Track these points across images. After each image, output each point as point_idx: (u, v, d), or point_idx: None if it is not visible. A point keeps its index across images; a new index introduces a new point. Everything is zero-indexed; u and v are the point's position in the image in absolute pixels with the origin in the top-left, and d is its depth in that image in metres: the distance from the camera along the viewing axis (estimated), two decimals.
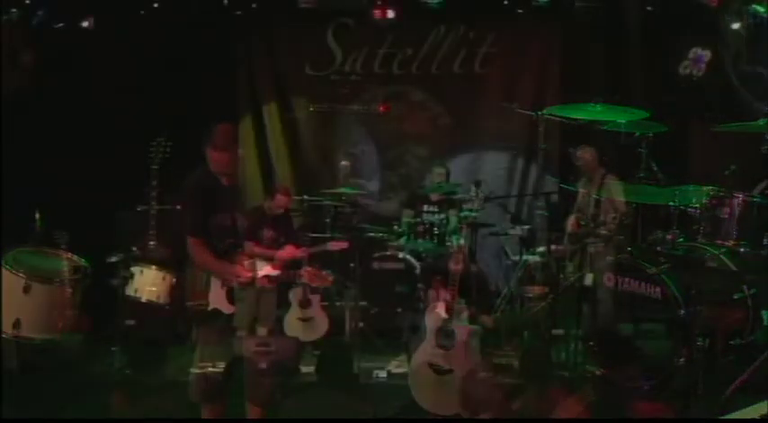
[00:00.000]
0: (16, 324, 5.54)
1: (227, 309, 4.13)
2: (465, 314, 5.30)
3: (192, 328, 4.36)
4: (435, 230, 7.10)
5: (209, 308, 4.18)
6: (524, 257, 7.18)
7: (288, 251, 4.27)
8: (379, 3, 8.11)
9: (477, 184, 7.11)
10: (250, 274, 4.10)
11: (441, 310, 5.28)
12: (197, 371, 4.17)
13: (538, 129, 6.01)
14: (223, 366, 4.14)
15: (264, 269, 4.15)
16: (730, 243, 5.25)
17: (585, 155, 6.71)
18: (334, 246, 6.70)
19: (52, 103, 7.35)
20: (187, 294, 4.32)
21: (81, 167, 7.23)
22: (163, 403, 5.14)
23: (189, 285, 4.29)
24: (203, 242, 4.10)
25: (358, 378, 6.10)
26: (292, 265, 5.07)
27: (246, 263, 4.14)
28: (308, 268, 4.23)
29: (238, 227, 4.19)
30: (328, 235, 7.23)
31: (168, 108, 7.46)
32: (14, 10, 7.30)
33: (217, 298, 4.15)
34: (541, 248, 6.99)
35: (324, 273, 4.29)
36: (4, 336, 5.54)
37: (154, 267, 6.28)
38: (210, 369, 4.12)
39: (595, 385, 5.07)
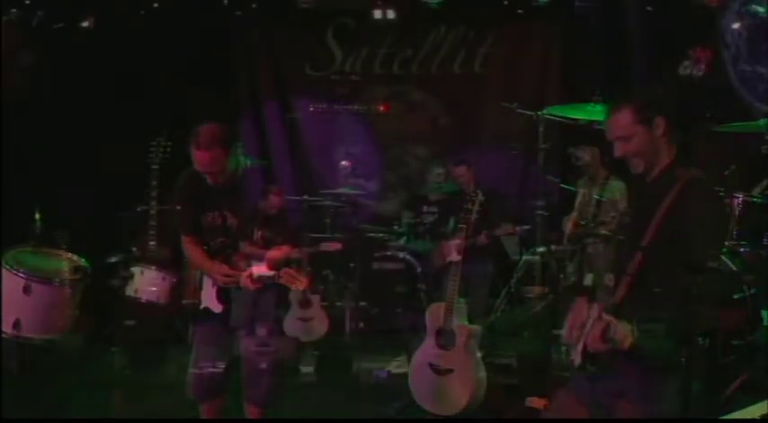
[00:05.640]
0: (16, 324, 5.53)
1: (216, 308, 4.14)
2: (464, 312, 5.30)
3: (189, 326, 4.37)
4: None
5: (201, 306, 4.20)
6: (524, 257, 7.18)
7: (280, 251, 4.27)
8: (379, 3, 8.12)
9: (477, 183, 7.12)
10: (232, 273, 4.10)
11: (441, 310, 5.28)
12: (193, 370, 4.17)
13: (538, 129, 6.02)
14: (220, 365, 4.14)
15: (259, 269, 4.15)
16: (730, 243, 5.25)
17: (587, 155, 6.70)
18: (326, 246, 6.68)
19: (52, 103, 7.35)
20: (184, 293, 4.33)
21: (81, 167, 7.24)
22: (163, 403, 5.15)
23: (186, 283, 4.30)
24: (191, 240, 4.18)
25: (358, 378, 6.11)
26: (286, 266, 5.06)
27: (242, 263, 4.14)
28: (287, 269, 4.22)
29: (229, 226, 4.20)
30: (328, 235, 7.24)
31: (168, 108, 7.46)
32: (14, 10, 7.30)
33: (207, 296, 4.16)
34: (541, 248, 6.99)
35: (301, 275, 4.26)
36: (4, 336, 5.54)
37: (154, 267, 6.28)
38: (207, 367, 4.12)
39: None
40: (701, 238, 2.98)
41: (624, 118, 3.12)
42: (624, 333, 2.85)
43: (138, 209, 6.55)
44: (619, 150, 3.18)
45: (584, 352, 3.07)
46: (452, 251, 6.49)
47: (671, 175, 3.07)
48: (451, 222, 7.13)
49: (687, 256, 2.87)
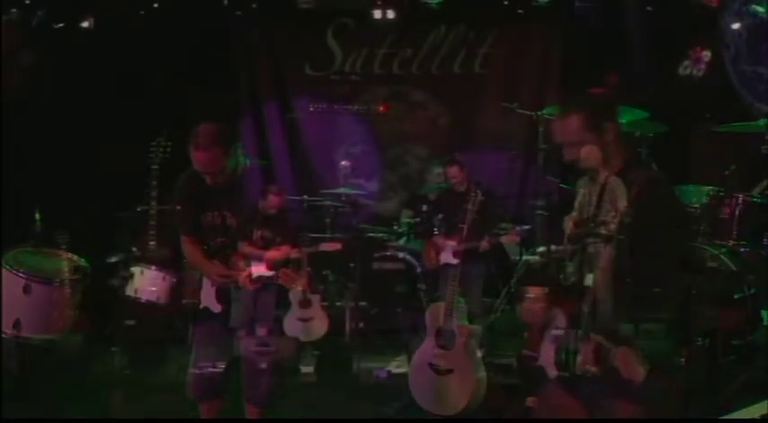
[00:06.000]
0: (16, 324, 5.53)
1: (215, 308, 4.14)
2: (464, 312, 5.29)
3: (189, 326, 4.36)
4: (435, 230, 7.09)
5: (201, 306, 4.20)
6: (524, 257, 7.17)
7: (279, 251, 4.27)
8: (379, 3, 8.12)
9: (477, 184, 7.11)
10: (228, 273, 4.10)
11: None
12: (193, 370, 4.17)
13: (538, 129, 6.02)
14: (220, 365, 4.15)
15: (258, 269, 4.15)
16: (730, 243, 5.25)
17: (588, 154, 6.68)
18: (326, 246, 6.69)
19: (52, 103, 7.35)
20: (184, 293, 4.31)
21: (81, 167, 7.24)
22: (163, 403, 5.15)
23: (186, 283, 4.28)
24: (191, 240, 4.18)
25: (358, 378, 6.11)
26: (285, 266, 5.07)
27: (241, 263, 4.15)
28: (285, 269, 4.23)
29: (229, 226, 4.20)
30: (328, 235, 7.24)
31: (168, 108, 7.47)
32: (14, 10, 7.30)
33: (207, 296, 4.16)
34: (541, 248, 6.99)
35: (299, 276, 4.26)
36: (4, 336, 5.54)
37: (154, 267, 6.27)
38: (207, 367, 4.12)
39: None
40: (668, 235, 2.97)
41: (574, 123, 3.11)
42: (631, 363, 2.77)
43: (138, 209, 6.54)
44: (568, 155, 3.19)
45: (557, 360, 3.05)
46: (448, 251, 6.51)
47: (623, 178, 3.07)
48: (438, 219, 7.12)
49: (653, 255, 2.87)
